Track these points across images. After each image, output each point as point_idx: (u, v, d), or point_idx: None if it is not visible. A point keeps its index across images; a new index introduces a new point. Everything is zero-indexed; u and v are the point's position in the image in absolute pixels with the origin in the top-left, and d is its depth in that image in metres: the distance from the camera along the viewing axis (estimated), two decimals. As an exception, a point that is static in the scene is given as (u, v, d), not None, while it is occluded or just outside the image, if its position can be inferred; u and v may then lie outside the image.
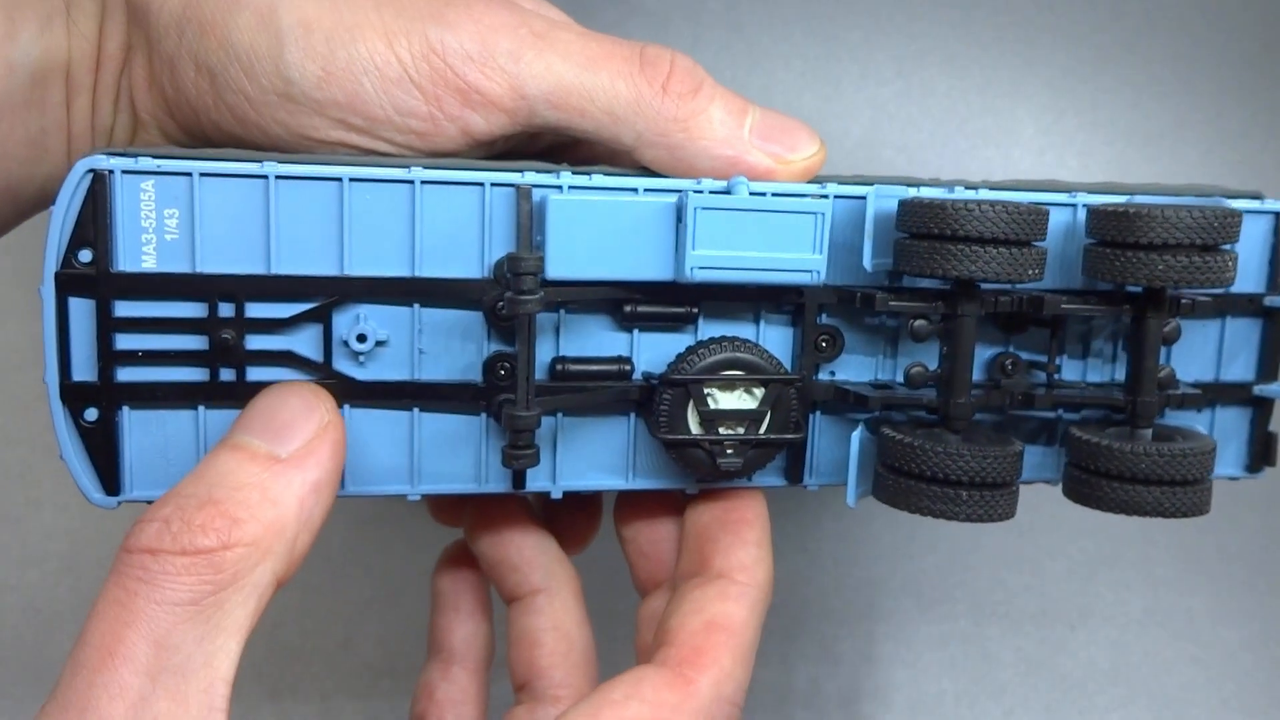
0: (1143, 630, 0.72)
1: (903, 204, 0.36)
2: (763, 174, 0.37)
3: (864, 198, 0.37)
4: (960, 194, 0.37)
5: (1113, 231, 0.36)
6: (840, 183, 0.38)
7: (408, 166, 0.35)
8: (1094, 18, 0.71)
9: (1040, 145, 0.72)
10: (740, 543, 0.40)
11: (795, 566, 0.70)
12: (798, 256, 0.35)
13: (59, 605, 0.67)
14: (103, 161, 0.33)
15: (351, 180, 0.34)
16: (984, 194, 0.38)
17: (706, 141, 0.37)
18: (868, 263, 0.36)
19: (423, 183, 0.35)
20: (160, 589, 0.29)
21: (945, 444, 0.35)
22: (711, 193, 0.36)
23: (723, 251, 0.34)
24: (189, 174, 0.33)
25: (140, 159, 0.33)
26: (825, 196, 0.37)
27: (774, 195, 0.36)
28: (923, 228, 0.35)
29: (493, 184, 0.35)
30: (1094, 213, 0.37)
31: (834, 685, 0.69)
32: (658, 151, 0.37)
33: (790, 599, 0.71)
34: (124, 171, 0.33)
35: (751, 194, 0.35)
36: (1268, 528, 0.80)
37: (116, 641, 0.28)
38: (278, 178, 0.34)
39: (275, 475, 0.31)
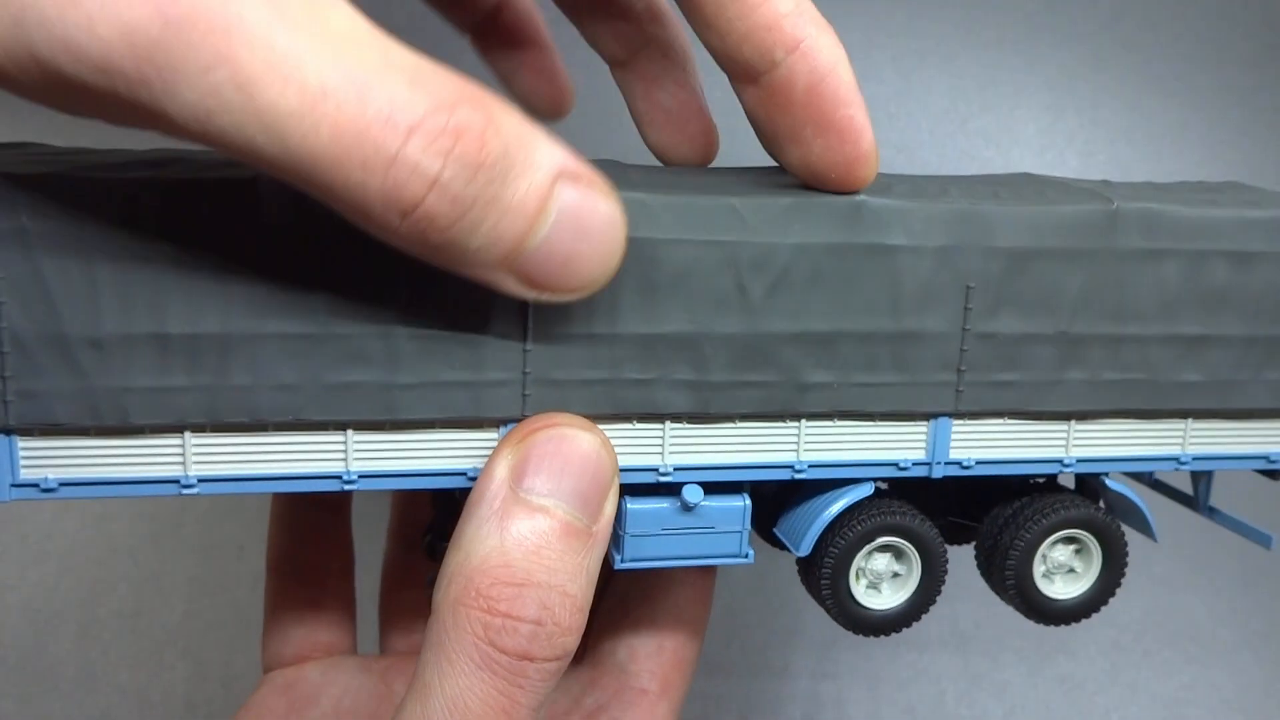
0: (1143, 630, 0.72)
1: None
2: (521, 296, 0.29)
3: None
4: None
5: None
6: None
7: (340, 476, 0.33)
8: (1094, 17, 0.71)
9: (1040, 145, 0.72)
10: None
11: (794, 566, 0.71)
12: (729, 555, 0.37)
13: (59, 605, 0.67)
14: (16, 490, 0.31)
15: (279, 479, 0.33)
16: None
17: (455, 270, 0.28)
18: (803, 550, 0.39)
19: (359, 476, 0.34)
20: (533, 694, 0.30)
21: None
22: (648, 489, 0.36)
23: (655, 548, 0.36)
24: (105, 482, 0.32)
25: (51, 486, 0.32)
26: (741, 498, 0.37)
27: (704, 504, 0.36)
28: None
29: (432, 473, 0.34)
30: None
31: (833, 685, 0.69)
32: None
33: (789, 599, 0.71)
34: (60, 483, 0.32)
35: (689, 503, 0.36)
36: (1268, 528, 0.80)
37: None
38: (194, 486, 0.33)
39: (592, 551, 0.31)
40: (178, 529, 0.69)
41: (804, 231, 0.33)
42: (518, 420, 0.33)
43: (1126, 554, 0.41)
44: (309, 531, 0.46)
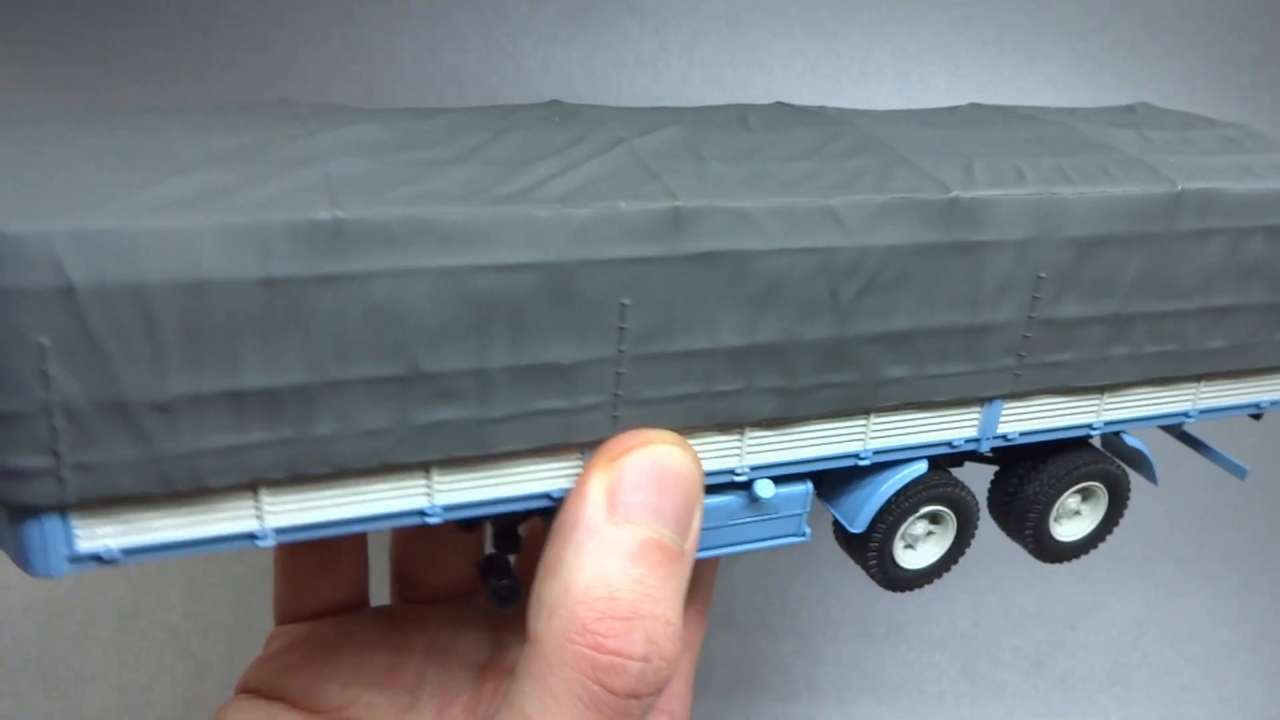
0: (1143, 630, 0.72)
1: None
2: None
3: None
4: None
5: None
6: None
7: (423, 511, 0.32)
8: (1095, 17, 0.71)
9: (1041, 144, 0.72)
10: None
11: (796, 567, 0.70)
12: (788, 535, 0.38)
13: (59, 605, 0.67)
14: (86, 555, 0.28)
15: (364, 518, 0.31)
16: None
17: None
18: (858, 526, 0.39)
19: (442, 509, 0.32)
20: None
21: None
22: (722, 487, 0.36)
23: (722, 537, 0.36)
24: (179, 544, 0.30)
25: (113, 556, 0.28)
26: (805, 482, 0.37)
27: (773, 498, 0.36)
28: None
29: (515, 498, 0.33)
30: None
31: (833, 685, 0.69)
32: None
33: (791, 599, 0.71)
34: (123, 552, 0.29)
35: (758, 497, 0.36)
36: (1268, 528, 0.80)
37: None
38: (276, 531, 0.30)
39: (685, 575, 0.31)
40: (177, 529, 0.69)
41: (896, 233, 0.33)
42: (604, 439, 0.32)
43: (1129, 497, 0.44)
44: None
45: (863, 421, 0.36)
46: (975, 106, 0.46)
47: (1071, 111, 0.46)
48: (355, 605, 0.46)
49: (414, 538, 0.48)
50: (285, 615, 0.45)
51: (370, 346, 0.28)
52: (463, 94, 0.68)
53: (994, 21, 0.71)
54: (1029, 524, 0.42)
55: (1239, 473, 0.46)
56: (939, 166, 0.34)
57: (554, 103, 0.39)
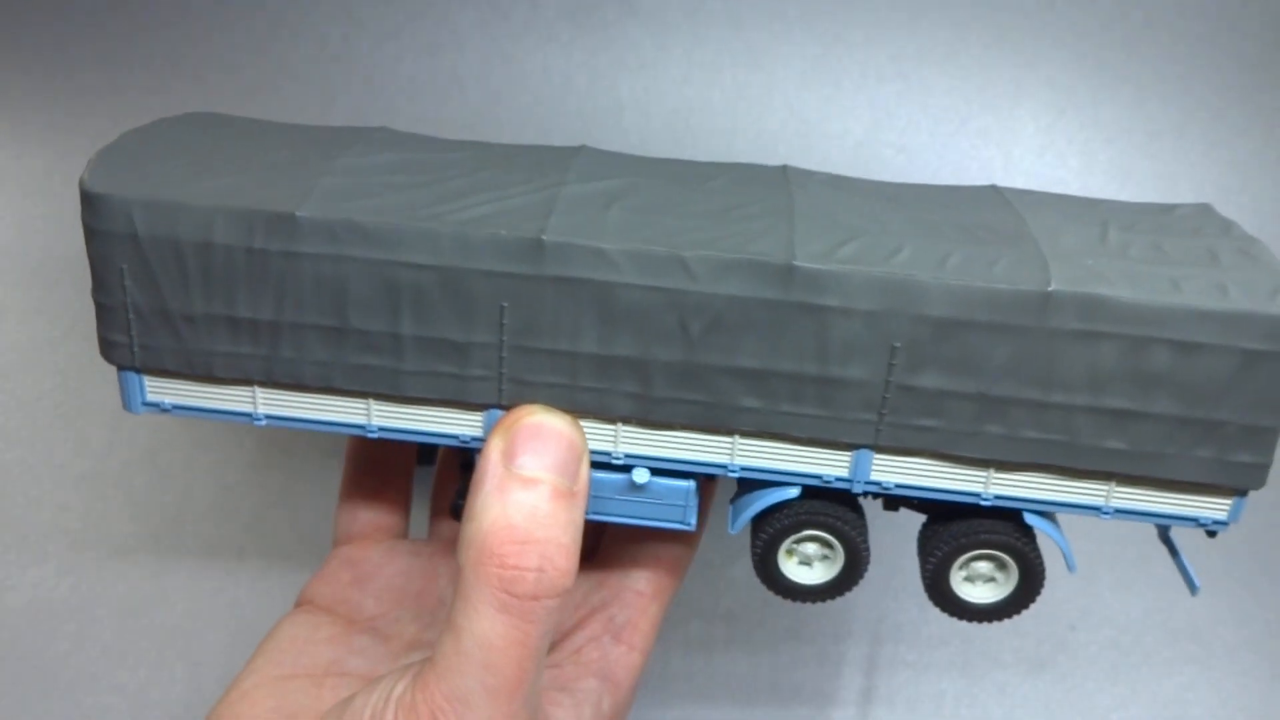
0: (1143, 630, 0.72)
1: None
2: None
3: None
4: None
5: None
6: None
7: (365, 427, 0.44)
8: (1094, 17, 0.71)
9: (1040, 145, 0.72)
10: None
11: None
12: (673, 522, 0.44)
13: (59, 605, 0.67)
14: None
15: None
16: None
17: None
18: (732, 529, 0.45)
19: (378, 429, 0.44)
20: (543, 625, 0.37)
21: None
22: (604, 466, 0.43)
23: (612, 507, 0.44)
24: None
25: (168, 408, 0.44)
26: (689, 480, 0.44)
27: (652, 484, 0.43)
28: None
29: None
30: None
31: (833, 685, 0.69)
32: None
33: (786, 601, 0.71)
34: (173, 406, 0.44)
35: (634, 482, 0.43)
36: (1268, 529, 0.80)
37: (524, 673, 0.37)
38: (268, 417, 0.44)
39: (575, 509, 0.39)
40: (178, 529, 0.69)
41: (739, 286, 0.38)
42: (496, 405, 0.42)
43: (1041, 582, 0.45)
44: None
45: (728, 439, 0.42)
46: (994, 189, 0.48)
47: (1095, 203, 0.47)
48: (397, 536, 0.56)
49: (449, 487, 0.56)
50: (341, 537, 0.55)
51: (316, 303, 0.40)
52: (463, 94, 0.68)
53: (994, 23, 0.71)
54: (929, 565, 0.44)
55: (1191, 588, 0.46)
56: (812, 238, 0.39)
57: (583, 148, 0.47)
